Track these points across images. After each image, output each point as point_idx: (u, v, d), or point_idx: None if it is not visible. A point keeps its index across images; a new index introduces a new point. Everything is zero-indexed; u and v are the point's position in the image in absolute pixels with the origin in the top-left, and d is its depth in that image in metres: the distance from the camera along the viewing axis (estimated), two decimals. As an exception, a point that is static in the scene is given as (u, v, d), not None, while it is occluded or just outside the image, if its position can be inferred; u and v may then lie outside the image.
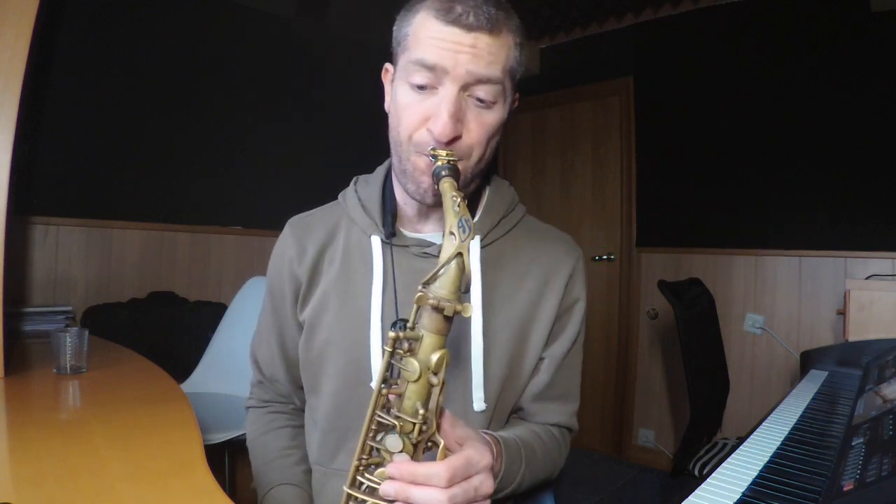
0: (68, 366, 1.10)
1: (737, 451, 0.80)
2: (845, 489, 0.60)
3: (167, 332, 2.06)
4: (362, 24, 2.69)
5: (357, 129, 2.83)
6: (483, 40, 0.62)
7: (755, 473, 0.71)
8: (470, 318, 0.69)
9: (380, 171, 0.81)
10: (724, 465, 0.74)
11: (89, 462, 0.66)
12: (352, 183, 0.83)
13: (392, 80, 0.71)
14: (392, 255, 0.75)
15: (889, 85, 2.16)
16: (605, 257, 3.02)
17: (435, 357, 0.50)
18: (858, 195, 2.24)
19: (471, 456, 0.53)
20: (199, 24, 2.35)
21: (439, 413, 0.52)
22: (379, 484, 0.53)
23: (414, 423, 0.51)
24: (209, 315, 2.12)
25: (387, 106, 0.73)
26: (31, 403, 0.95)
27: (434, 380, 0.51)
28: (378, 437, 0.54)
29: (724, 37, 2.59)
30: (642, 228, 2.88)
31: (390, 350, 0.51)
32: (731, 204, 2.57)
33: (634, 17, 2.86)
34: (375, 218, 0.76)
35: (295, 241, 0.80)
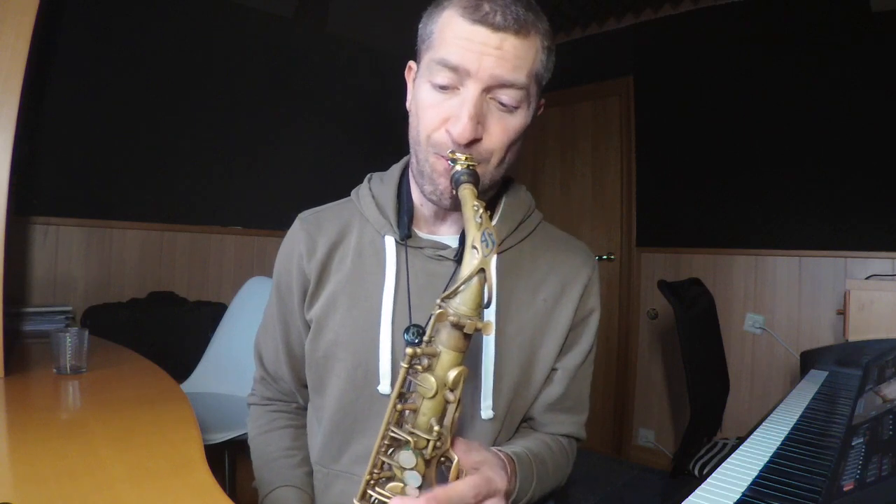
0: (68, 366, 1.09)
1: (737, 451, 0.80)
2: (845, 489, 0.60)
3: (167, 332, 2.06)
4: (362, 24, 2.69)
5: (357, 130, 2.83)
6: (510, 42, 0.60)
7: (755, 473, 0.71)
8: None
9: (395, 169, 0.79)
10: (724, 465, 0.74)
11: (89, 462, 0.66)
12: (365, 180, 0.80)
13: (415, 79, 0.69)
14: (406, 256, 0.73)
15: (889, 85, 2.16)
16: (605, 257, 3.02)
17: (453, 374, 0.49)
18: (858, 195, 2.24)
19: (491, 478, 0.54)
20: (199, 24, 2.35)
21: (454, 432, 0.52)
22: (389, 498, 0.52)
23: (428, 440, 0.50)
24: (209, 315, 2.12)
25: (408, 104, 0.70)
26: (31, 403, 0.94)
27: (450, 396, 0.50)
28: (391, 452, 0.53)
29: (724, 37, 2.59)
30: (642, 228, 2.88)
31: (406, 366, 0.50)
32: (731, 204, 2.57)
33: (634, 17, 2.86)
34: (390, 217, 0.74)
35: (306, 236, 0.77)
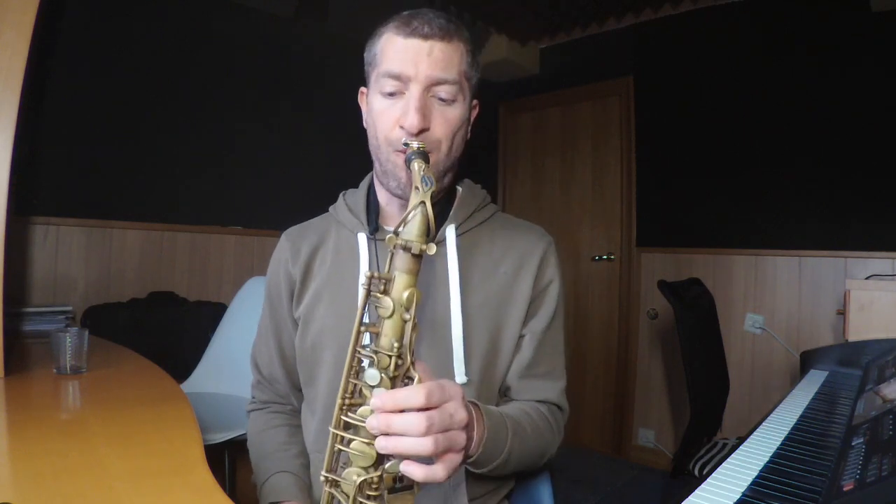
0: (68, 366, 1.09)
1: (737, 451, 0.80)
2: (845, 489, 0.60)
3: (167, 332, 2.06)
4: (362, 24, 2.69)
5: (357, 130, 2.82)
6: (438, 46, 0.72)
7: (755, 473, 0.71)
8: (450, 298, 0.78)
9: (364, 181, 0.90)
10: (724, 465, 0.74)
11: (89, 461, 0.66)
12: (340, 196, 0.91)
13: (367, 98, 0.80)
14: (376, 249, 0.82)
15: (889, 85, 2.16)
16: (605, 257, 3.02)
17: (406, 294, 0.55)
18: (858, 195, 2.24)
19: (445, 384, 0.57)
20: (199, 24, 2.35)
21: (412, 350, 0.56)
22: (362, 422, 0.55)
23: (390, 356, 0.55)
24: (209, 315, 2.12)
25: (364, 122, 0.81)
26: (31, 403, 0.95)
27: (406, 315, 0.55)
28: (358, 375, 0.58)
29: (724, 37, 2.59)
30: (642, 228, 2.88)
31: (366, 287, 0.56)
32: (731, 204, 2.57)
33: (634, 17, 2.86)
34: (361, 217, 0.84)
35: (290, 245, 0.87)
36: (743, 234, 2.53)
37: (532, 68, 3.22)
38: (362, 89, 0.83)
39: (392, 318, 0.55)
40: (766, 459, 0.76)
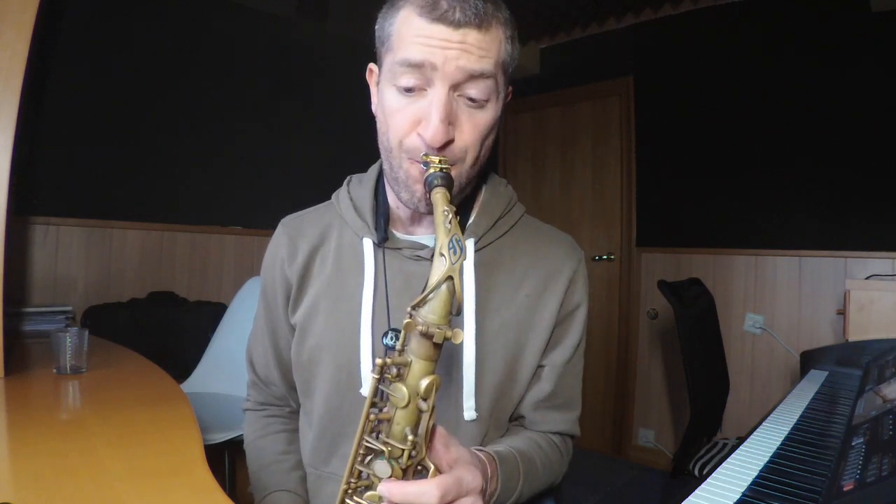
0: (68, 366, 1.09)
1: (737, 451, 0.80)
2: (845, 489, 0.60)
3: (167, 332, 2.06)
4: (362, 23, 2.69)
5: (357, 129, 2.82)
6: (472, 36, 0.58)
7: (755, 473, 0.71)
8: (463, 323, 0.68)
9: (373, 170, 0.79)
10: (724, 465, 0.74)
11: (89, 462, 0.66)
12: (345, 183, 0.81)
13: (378, 82, 0.67)
14: (384, 257, 0.73)
15: (889, 85, 2.16)
16: (605, 257, 3.02)
17: (424, 383, 0.48)
18: (858, 195, 2.24)
19: (462, 477, 0.52)
20: (199, 24, 2.35)
21: (430, 435, 0.51)
22: None
23: (403, 450, 0.49)
24: (209, 315, 2.12)
25: (374, 108, 0.69)
26: (31, 403, 0.94)
27: (423, 405, 0.49)
28: (367, 461, 0.52)
29: (724, 37, 2.59)
30: (642, 228, 2.88)
31: (377, 376, 0.49)
32: (731, 204, 2.57)
33: (634, 17, 2.86)
34: (367, 220, 0.74)
35: (287, 241, 0.78)
36: (743, 234, 2.53)
37: (532, 68, 3.21)
38: (371, 66, 0.69)
39: (407, 408, 0.49)
40: (766, 459, 0.76)
